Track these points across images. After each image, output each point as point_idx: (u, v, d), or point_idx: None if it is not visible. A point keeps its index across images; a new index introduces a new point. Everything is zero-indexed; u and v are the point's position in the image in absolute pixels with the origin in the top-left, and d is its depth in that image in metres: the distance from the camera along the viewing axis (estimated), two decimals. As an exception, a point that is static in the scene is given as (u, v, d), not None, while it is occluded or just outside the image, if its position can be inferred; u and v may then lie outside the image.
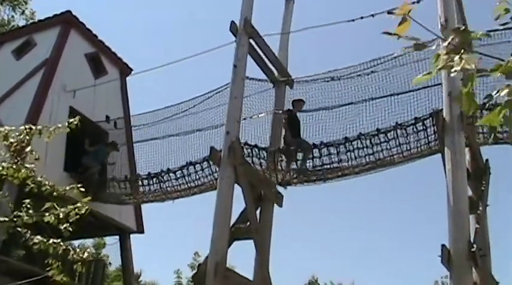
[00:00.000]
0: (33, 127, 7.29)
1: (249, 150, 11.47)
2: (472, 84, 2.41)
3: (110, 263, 25.19)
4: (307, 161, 11.42)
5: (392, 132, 10.48)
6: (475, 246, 8.68)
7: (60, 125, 7.33)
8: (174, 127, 14.76)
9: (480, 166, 11.05)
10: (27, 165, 6.97)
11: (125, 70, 18.06)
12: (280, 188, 12.47)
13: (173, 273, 32.25)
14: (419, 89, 11.25)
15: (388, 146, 10.59)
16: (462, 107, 2.55)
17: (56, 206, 6.83)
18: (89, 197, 7.05)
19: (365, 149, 10.72)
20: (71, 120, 7.54)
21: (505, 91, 2.32)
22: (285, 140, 12.16)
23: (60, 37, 16.33)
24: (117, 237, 17.09)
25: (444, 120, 9.52)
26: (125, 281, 17.65)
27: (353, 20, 11.25)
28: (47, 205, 6.76)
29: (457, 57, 2.42)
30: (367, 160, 10.92)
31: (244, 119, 12.56)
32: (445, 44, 2.54)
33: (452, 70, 2.45)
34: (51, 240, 6.91)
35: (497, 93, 2.39)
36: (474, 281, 9.21)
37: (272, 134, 12.86)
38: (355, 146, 10.72)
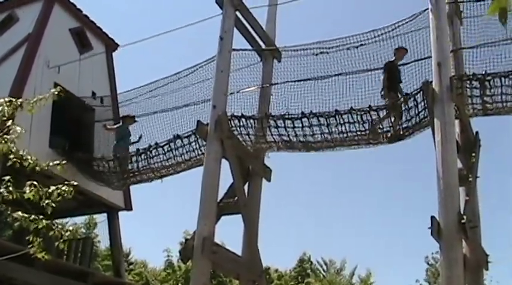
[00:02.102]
0: (14, 100, 7.12)
1: (237, 122, 11.28)
2: None
3: (99, 242, 25.16)
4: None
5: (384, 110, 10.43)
6: (465, 217, 8.61)
7: (41, 96, 7.17)
8: (161, 103, 14.50)
9: (470, 138, 10.99)
10: (8, 137, 6.82)
11: (110, 45, 17.75)
12: (268, 162, 12.35)
13: (163, 251, 32.27)
14: (410, 63, 11.14)
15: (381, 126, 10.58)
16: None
17: (37, 184, 6.69)
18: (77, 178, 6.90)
19: (356, 124, 10.60)
20: (53, 90, 7.37)
21: None
22: (383, 95, 11.22)
23: (43, 12, 15.96)
24: (105, 215, 16.95)
25: (434, 91, 9.40)
26: (113, 259, 17.56)
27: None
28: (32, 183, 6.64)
29: None
30: (358, 134, 10.80)
31: (231, 94, 12.35)
32: None
33: None
34: (32, 217, 6.78)
35: None
36: (464, 253, 9.17)
37: (260, 109, 12.63)
38: (346, 120, 10.57)
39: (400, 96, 10.96)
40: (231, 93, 12.25)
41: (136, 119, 14.80)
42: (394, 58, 11.29)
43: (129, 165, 13.85)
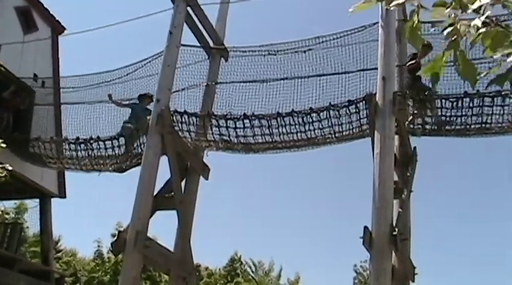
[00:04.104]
0: None
1: (179, 118, 11.25)
2: (417, 17, 2.30)
3: (27, 227, 24.52)
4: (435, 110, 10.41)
5: (325, 112, 10.51)
6: (396, 230, 8.86)
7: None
8: (107, 94, 14.24)
9: (408, 152, 11.20)
10: None
11: (57, 28, 17.36)
12: (207, 160, 12.37)
13: (93, 242, 31.77)
14: (355, 71, 11.33)
15: (321, 126, 10.61)
16: (408, 40, 2.47)
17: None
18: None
19: (297, 126, 10.70)
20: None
21: (448, 30, 2.23)
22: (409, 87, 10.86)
23: (-12, -14, 15.51)
24: (37, 200, 16.59)
25: (377, 103, 9.62)
26: (42, 246, 17.20)
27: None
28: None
29: None
30: (299, 137, 10.92)
31: (177, 91, 12.34)
32: None
33: (393, 4, 2.34)
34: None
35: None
36: (392, 264, 9.40)
37: (203, 107, 12.62)
38: (287, 122, 10.68)
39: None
40: (176, 91, 12.23)
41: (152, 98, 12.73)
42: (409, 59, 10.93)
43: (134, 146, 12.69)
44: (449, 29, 2.24)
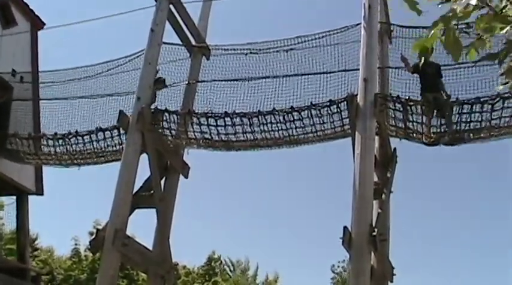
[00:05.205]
0: None
1: (160, 116, 11.19)
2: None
3: (3, 225, 24.22)
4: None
5: (306, 111, 10.51)
6: (376, 230, 8.91)
7: None
8: (87, 89, 14.13)
9: (388, 154, 11.26)
10: None
11: (36, 23, 17.14)
12: (187, 159, 12.32)
13: (71, 240, 31.41)
14: (336, 72, 11.35)
15: (302, 125, 10.62)
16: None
17: None
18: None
19: (278, 124, 10.71)
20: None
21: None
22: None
23: (-34, -20, 15.28)
24: (14, 197, 16.39)
25: (358, 104, 9.66)
26: (19, 244, 16.97)
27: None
28: None
29: None
30: (280, 135, 10.92)
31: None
32: None
33: None
34: None
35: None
36: (371, 264, 9.46)
37: (184, 105, 12.56)
38: (269, 120, 10.68)
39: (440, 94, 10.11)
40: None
41: (166, 84, 12.72)
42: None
43: None
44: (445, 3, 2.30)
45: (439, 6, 2.45)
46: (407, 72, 10.56)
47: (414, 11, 2.50)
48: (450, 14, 2.27)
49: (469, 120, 9.69)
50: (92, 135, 12.33)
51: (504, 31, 2.28)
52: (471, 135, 9.94)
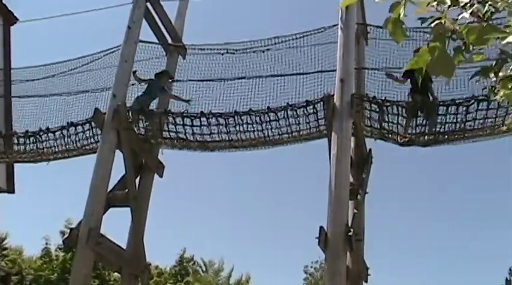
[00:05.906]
0: None
1: (135, 115, 11.12)
2: (403, 10, 2.23)
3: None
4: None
5: (283, 112, 10.52)
6: (352, 230, 8.96)
7: None
8: (60, 86, 13.95)
9: (363, 154, 11.34)
10: None
11: (9, 18, 16.87)
12: (161, 158, 12.24)
13: (41, 239, 30.99)
14: (313, 73, 11.40)
15: (278, 125, 10.62)
16: (392, 35, 2.33)
17: None
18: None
19: (254, 125, 10.70)
20: None
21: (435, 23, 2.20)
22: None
23: None
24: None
25: (334, 105, 9.71)
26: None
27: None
28: None
29: None
30: (256, 135, 10.92)
31: (133, 85, 12.17)
32: None
33: None
34: None
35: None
36: (347, 264, 9.51)
37: (160, 103, 12.49)
38: (245, 121, 10.67)
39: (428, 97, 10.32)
40: (132, 84, 12.07)
41: (172, 77, 12.71)
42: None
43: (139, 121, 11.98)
44: (436, 22, 2.21)
45: (419, 21, 2.34)
46: (396, 82, 10.64)
47: (398, 39, 2.37)
48: (441, 31, 2.18)
49: (444, 121, 9.84)
50: (63, 131, 12.15)
51: (505, 41, 2.20)
52: (446, 136, 10.08)
